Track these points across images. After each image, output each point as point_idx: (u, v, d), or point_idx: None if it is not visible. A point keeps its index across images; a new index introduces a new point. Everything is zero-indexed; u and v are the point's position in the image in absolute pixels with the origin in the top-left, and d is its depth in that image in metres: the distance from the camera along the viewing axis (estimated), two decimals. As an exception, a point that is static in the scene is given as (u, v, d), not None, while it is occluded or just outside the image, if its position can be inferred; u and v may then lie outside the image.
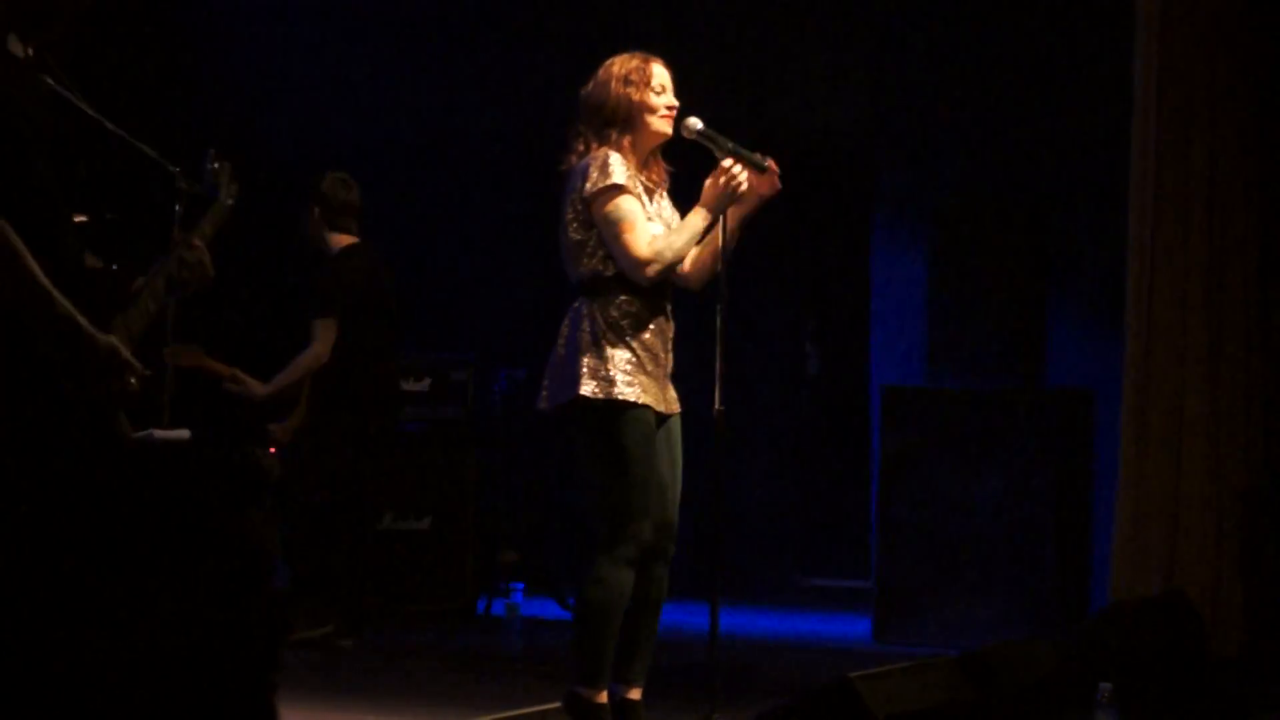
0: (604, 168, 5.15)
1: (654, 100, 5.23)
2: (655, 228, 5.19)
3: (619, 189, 5.13)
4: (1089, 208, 8.08)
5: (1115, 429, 7.37)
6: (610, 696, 5.18)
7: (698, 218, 5.20)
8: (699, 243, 5.28)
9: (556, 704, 5.36)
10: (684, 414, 5.35)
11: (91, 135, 6.17)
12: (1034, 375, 7.93)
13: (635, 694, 5.23)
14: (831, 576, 9.92)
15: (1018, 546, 7.70)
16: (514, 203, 7.78)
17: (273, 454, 7.80)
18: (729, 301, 5.21)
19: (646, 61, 5.27)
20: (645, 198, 5.24)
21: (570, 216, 5.21)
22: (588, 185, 5.15)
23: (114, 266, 4.02)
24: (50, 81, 5.95)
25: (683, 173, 5.42)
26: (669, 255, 5.15)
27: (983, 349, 7.98)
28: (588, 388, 5.10)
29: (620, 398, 5.09)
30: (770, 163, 5.26)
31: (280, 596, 7.16)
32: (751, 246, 5.63)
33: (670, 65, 5.32)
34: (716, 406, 5.21)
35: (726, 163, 5.21)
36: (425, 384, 8.49)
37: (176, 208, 5.80)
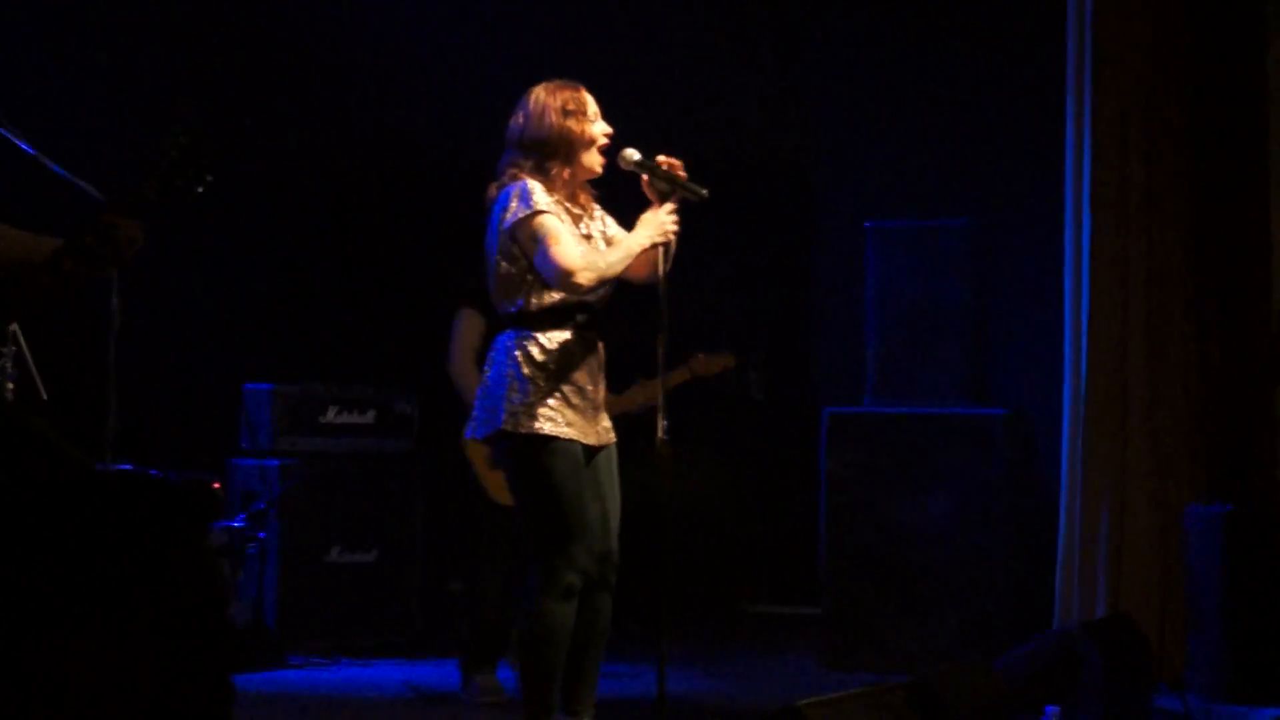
0: (522, 196, 5.12)
1: (593, 131, 5.22)
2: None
3: (539, 212, 5.11)
4: (1028, 229, 8.11)
5: (1060, 452, 7.39)
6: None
7: (635, 242, 5.16)
8: None
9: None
10: (630, 442, 5.35)
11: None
12: (978, 399, 7.95)
13: (584, 724, 5.22)
14: (779, 603, 9.91)
15: (967, 571, 7.70)
16: (451, 233, 7.74)
17: (216, 487, 7.75)
18: (670, 328, 5.19)
19: (578, 89, 5.24)
20: (571, 225, 5.21)
21: (496, 249, 5.18)
22: (508, 216, 5.13)
23: None
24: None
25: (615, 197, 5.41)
26: (601, 265, 5.10)
27: (926, 372, 7.98)
28: (510, 422, 5.09)
29: (541, 431, 5.08)
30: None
31: (233, 626, 7.06)
32: (692, 273, 5.62)
33: (594, 91, 5.30)
34: (659, 435, 5.20)
35: (667, 210, 5.17)
36: (370, 416, 8.46)
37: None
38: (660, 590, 5.27)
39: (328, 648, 7.99)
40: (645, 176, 5.22)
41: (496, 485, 6.83)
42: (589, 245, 5.21)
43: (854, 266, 8.30)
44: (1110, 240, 7.26)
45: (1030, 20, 8.05)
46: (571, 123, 5.18)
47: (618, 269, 5.14)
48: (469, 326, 6.78)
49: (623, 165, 5.26)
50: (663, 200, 5.20)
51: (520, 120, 5.21)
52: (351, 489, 8.29)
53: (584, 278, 5.07)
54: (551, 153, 5.18)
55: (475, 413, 5.23)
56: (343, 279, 9.31)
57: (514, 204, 5.12)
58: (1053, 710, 5.10)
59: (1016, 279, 8.20)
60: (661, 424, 5.21)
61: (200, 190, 4.07)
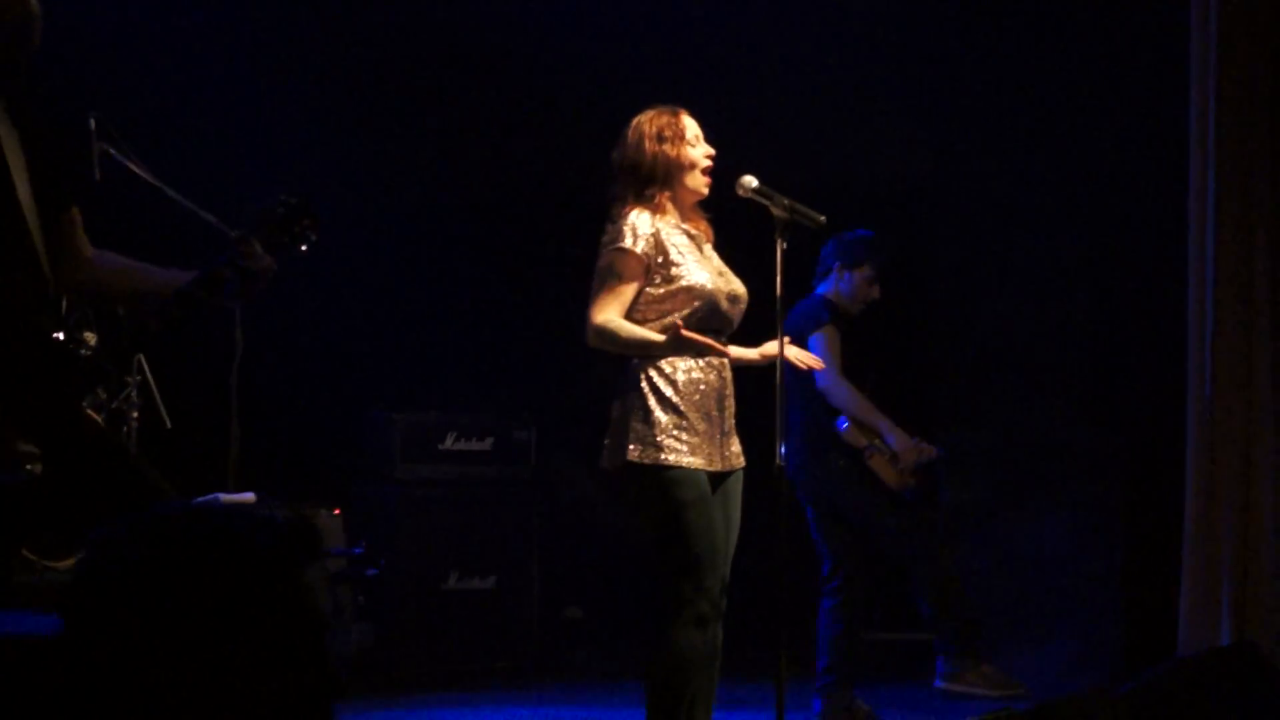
0: (624, 228, 5.13)
1: (692, 153, 5.23)
2: (700, 275, 5.15)
3: (625, 251, 5.11)
4: (1148, 251, 8.04)
5: (1182, 476, 7.31)
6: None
7: (661, 343, 5.12)
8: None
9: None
10: (745, 468, 5.31)
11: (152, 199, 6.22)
12: (1098, 423, 7.89)
13: (704, 752, 5.19)
14: (895, 630, 9.86)
15: (1086, 598, 7.64)
16: (569, 262, 7.79)
17: (337, 514, 7.83)
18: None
19: (676, 115, 5.26)
20: (692, 245, 5.22)
21: None
22: (605, 239, 5.16)
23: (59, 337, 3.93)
24: (109, 149, 6.01)
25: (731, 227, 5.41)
26: (608, 334, 5.09)
27: (1045, 398, 7.94)
28: (635, 452, 5.07)
29: (666, 462, 5.07)
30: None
31: (336, 660, 7.13)
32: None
33: (714, 117, 5.31)
34: (778, 462, 5.19)
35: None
36: (489, 443, 8.51)
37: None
38: (779, 618, 5.24)
39: (444, 673, 8.03)
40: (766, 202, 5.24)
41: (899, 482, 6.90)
42: (713, 268, 5.23)
43: (974, 294, 8.26)
44: (1234, 261, 7.18)
45: (1152, 36, 7.99)
46: (667, 147, 5.20)
47: (623, 347, 5.10)
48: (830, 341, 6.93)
49: (740, 193, 5.26)
50: (781, 228, 5.22)
51: (621, 148, 5.25)
52: (470, 516, 8.34)
53: (591, 337, 5.11)
54: (649, 178, 5.20)
55: (606, 441, 5.21)
56: (462, 307, 9.37)
57: (613, 230, 5.15)
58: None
59: (1137, 302, 8.12)
60: (780, 450, 5.20)
61: (304, 249, 4.11)
